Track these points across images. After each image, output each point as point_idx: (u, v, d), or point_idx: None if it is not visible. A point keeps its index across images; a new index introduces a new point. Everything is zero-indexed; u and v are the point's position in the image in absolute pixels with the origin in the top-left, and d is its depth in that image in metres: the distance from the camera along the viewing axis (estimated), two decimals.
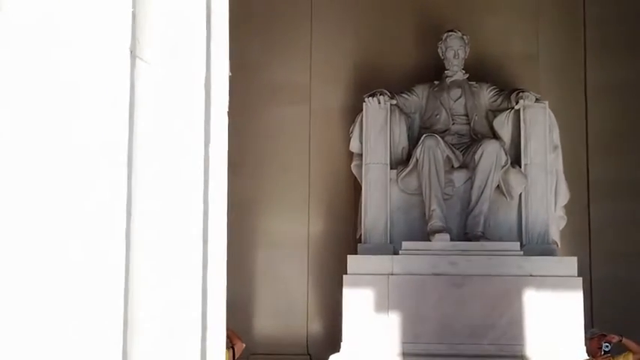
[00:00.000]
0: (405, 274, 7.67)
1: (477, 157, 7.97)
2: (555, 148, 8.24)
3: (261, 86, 8.88)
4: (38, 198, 1.68)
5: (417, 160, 8.04)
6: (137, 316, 1.78)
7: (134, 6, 1.81)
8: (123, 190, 1.76)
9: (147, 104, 1.85)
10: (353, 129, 8.43)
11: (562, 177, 8.29)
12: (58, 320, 1.65)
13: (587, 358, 6.65)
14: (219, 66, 2.15)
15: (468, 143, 8.26)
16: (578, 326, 7.44)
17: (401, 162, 8.29)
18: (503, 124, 8.35)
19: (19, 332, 1.63)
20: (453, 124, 8.43)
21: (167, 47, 1.93)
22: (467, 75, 8.59)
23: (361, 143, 8.31)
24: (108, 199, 1.74)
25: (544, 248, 7.91)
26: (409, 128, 8.50)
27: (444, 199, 8.03)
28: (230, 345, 6.58)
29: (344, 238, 8.80)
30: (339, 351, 7.63)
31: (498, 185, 8.04)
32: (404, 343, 7.55)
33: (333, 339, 8.00)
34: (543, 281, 7.55)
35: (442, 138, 8.09)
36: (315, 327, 8.95)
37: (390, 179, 8.18)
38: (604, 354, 6.14)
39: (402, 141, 8.40)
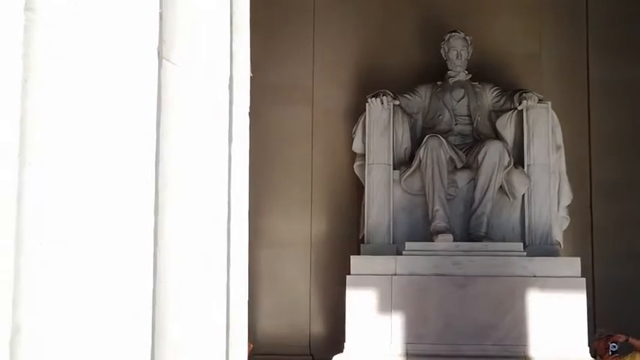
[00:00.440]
0: (408, 274, 7.67)
1: (480, 157, 7.97)
2: (558, 148, 8.25)
3: (264, 87, 8.87)
4: (66, 198, 1.67)
5: (420, 161, 8.04)
6: (164, 317, 1.78)
7: (161, 7, 1.81)
8: (150, 190, 1.76)
9: (173, 105, 1.85)
10: (356, 129, 8.43)
11: (565, 177, 8.30)
12: (88, 317, 1.65)
13: (595, 358, 6.67)
14: (241, 67, 2.15)
15: (471, 144, 8.26)
16: (581, 327, 7.44)
17: (404, 162, 8.29)
18: (506, 125, 8.35)
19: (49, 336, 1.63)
20: (456, 124, 8.43)
21: (192, 48, 1.93)
22: (470, 75, 8.59)
23: (364, 144, 8.31)
24: (136, 199, 1.74)
25: (547, 249, 7.91)
26: (412, 129, 8.50)
27: (447, 200, 8.03)
28: None
29: (346, 239, 8.80)
30: (341, 351, 7.63)
31: (501, 186, 8.04)
32: (407, 343, 7.55)
33: (335, 339, 8.00)
34: (546, 282, 7.55)
35: (445, 138, 8.09)
36: (318, 327, 8.95)
37: (393, 180, 8.18)
38: (611, 354, 6.15)
39: (404, 141, 8.40)
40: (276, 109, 9.01)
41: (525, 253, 7.71)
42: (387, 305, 7.60)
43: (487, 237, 7.93)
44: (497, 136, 8.31)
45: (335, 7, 9.31)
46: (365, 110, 8.35)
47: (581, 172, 8.81)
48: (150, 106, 1.77)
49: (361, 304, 7.62)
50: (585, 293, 7.54)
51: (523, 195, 8.11)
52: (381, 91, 8.32)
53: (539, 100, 8.15)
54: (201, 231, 1.91)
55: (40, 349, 1.60)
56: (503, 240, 7.97)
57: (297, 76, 9.13)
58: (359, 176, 8.47)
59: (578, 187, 8.55)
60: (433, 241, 7.82)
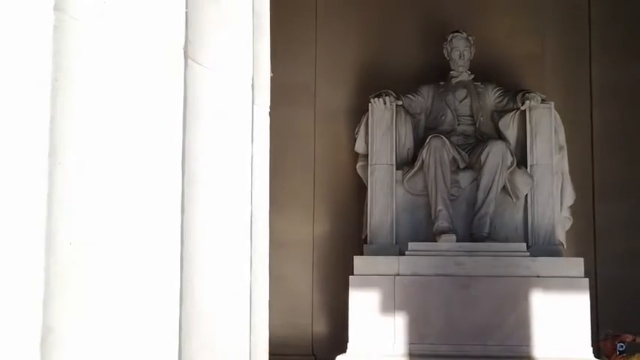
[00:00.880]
0: (412, 274, 7.67)
1: (482, 157, 7.97)
2: (561, 148, 8.25)
3: None
4: (95, 197, 1.67)
5: (422, 161, 8.04)
6: (191, 317, 1.78)
7: (187, 6, 1.80)
8: (177, 189, 1.75)
9: (199, 105, 1.85)
10: (358, 130, 8.43)
11: (568, 178, 8.30)
12: (118, 315, 1.65)
13: (601, 358, 6.67)
14: (262, 67, 2.15)
15: (474, 144, 8.26)
16: (584, 327, 7.44)
17: (406, 163, 8.29)
18: (509, 125, 8.35)
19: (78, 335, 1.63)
20: (459, 124, 8.43)
21: (216, 48, 1.93)
22: (472, 76, 8.59)
23: (367, 144, 8.31)
24: (163, 198, 1.74)
25: (550, 249, 7.91)
26: (414, 129, 8.49)
27: (450, 200, 8.03)
28: None
29: (349, 239, 8.80)
30: (344, 351, 7.63)
31: (504, 186, 8.05)
32: (410, 343, 7.55)
33: (338, 340, 8.01)
34: (550, 282, 7.55)
35: (448, 139, 8.09)
36: (320, 327, 8.95)
37: (396, 180, 8.18)
38: (619, 354, 6.16)
39: (407, 142, 8.40)
40: (278, 110, 8.94)
41: (528, 254, 7.71)
42: (390, 305, 7.61)
43: (490, 237, 7.94)
44: (500, 136, 8.31)
45: (337, 7, 9.31)
46: (367, 110, 8.35)
47: (584, 172, 8.82)
48: (177, 107, 1.77)
49: (364, 304, 7.63)
50: (588, 293, 7.54)
51: (526, 195, 8.11)
52: (384, 91, 8.32)
53: (542, 101, 8.15)
54: (225, 230, 1.91)
55: (71, 351, 1.59)
56: (506, 240, 7.97)
57: (299, 77, 9.12)
58: (361, 176, 8.47)
59: (581, 187, 8.55)
60: (436, 242, 7.82)
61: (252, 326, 1.98)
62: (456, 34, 8.55)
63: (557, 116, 8.22)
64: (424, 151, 8.02)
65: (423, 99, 8.58)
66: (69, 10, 1.62)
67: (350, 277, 7.70)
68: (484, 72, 8.66)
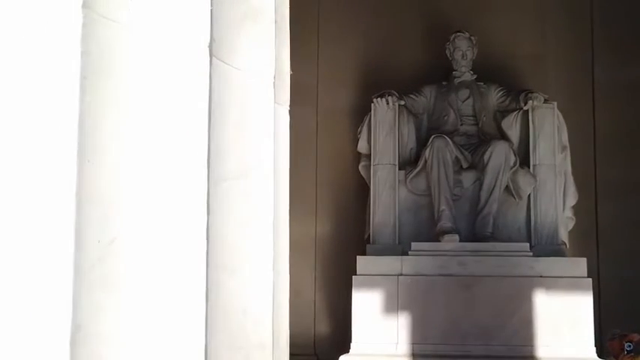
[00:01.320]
0: (415, 274, 7.67)
1: (485, 157, 7.97)
2: (564, 148, 8.25)
3: None
4: (123, 195, 1.67)
5: (425, 161, 8.04)
6: (217, 317, 1.78)
7: (212, 4, 1.80)
8: (203, 188, 1.76)
9: (223, 104, 1.85)
10: (361, 130, 8.42)
11: (570, 178, 8.31)
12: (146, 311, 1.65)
13: (610, 358, 6.67)
14: (283, 65, 2.15)
15: (477, 144, 8.26)
16: (588, 327, 7.44)
17: (409, 163, 8.29)
18: (512, 125, 8.35)
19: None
20: (462, 124, 8.43)
21: (240, 46, 1.93)
22: (475, 76, 8.59)
23: (369, 144, 8.31)
24: (189, 197, 1.74)
25: (553, 249, 7.92)
26: (417, 129, 8.49)
27: (453, 200, 8.03)
28: None
29: (351, 239, 8.78)
30: (347, 352, 7.63)
31: (507, 186, 8.05)
32: (413, 343, 7.55)
33: (340, 340, 8.00)
34: (553, 282, 7.55)
35: (451, 139, 8.09)
36: (323, 328, 8.94)
37: (399, 180, 8.18)
38: (627, 353, 6.16)
39: (410, 142, 8.40)
40: None
41: (532, 254, 7.71)
42: (393, 305, 7.60)
43: (493, 237, 7.93)
44: (503, 136, 8.31)
45: (340, 7, 9.30)
46: (370, 110, 8.34)
47: (586, 172, 8.81)
48: (202, 105, 1.77)
49: (367, 304, 7.62)
50: (592, 294, 7.55)
51: (529, 195, 8.11)
52: (387, 91, 8.32)
53: (545, 101, 8.15)
54: (249, 229, 1.91)
55: (99, 348, 1.59)
56: (509, 240, 7.96)
57: (301, 77, 9.08)
58: (364, 177, 8.46)
59: (583, 187, 8.55)
60: (439, 242, 7.81)
61: (274, 320, 1.98)
62: (458, 34, 8.55)
63: (560, 116, 8.22)
64: (427, 151, 8.02)
65: (425, 99, 8.58)
66: (97, 8, 1.62)
67: (353, 277, 7.70)
68: (487, 72, 8.65)
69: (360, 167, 8.51)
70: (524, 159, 8.17)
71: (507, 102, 8.43)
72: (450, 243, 7.75)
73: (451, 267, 7.67)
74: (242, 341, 1.87)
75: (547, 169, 8.10)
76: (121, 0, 1.68)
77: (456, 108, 8.46)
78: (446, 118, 8.46)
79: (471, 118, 8.46)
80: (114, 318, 1.61)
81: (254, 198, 1.93)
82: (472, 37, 8.56)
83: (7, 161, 1.56)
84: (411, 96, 8.50)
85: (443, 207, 7.93)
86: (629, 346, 6.20)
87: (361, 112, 8.61)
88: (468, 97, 8.50)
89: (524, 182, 8.08)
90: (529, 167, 8.12)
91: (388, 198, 8.14)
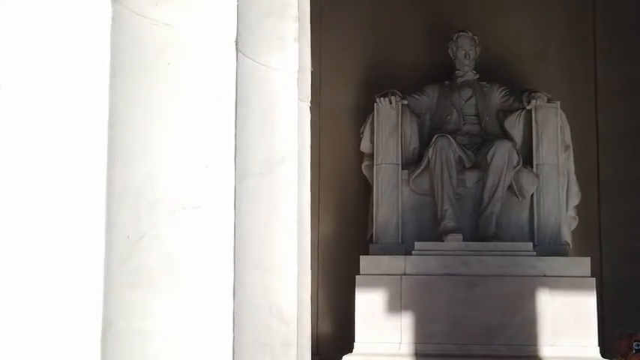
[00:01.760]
0: (418, 274, 7.66)
1: (488, 157, 7.97)
2: (567, 148, 8.25)
3: None
4: (150, 192, 1.66)
5: (428, 161, 8.04)
6: (243, 315, 1.77)
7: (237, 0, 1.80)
8: (230, 185, 1.75)
9: (249, 99, 1.84)
10: (364, 129, 8.41)
11: (573, 177, 8.30)
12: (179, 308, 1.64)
13: (618, 358, 6.66)
14: (304, 62, 2.14)
15: (479, 143, 8.26)
16: (591, 326, 7.44)
17: (412, 162, 8.28)
18: (515, 125, 8.35)
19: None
20: (464, 124, 8.42)
21: (264, 42, 1.92)
22: (477, 75, 8.58)
23: (372, 144, 8.30)
24: (216, 194, 1.73)
25: (556, 248, 7.91)
26: (420, 129, 8.48)
27: (456, 200, 8.03)
28: None
29: (353, 239, 8.77)
30: (350, 352, 7.62)
31: (510, 185, 8.04)
32: (416, 343, 7.53)
33: (343, 340, 7.99)
34: (556, 282, 7.55)
35: (453, 138, 8.08)
36: (325, 327, 8.92)
37: (402, 180, 8.17)
38: (635, 352, 6.16)
39: (413, 141, 8.39)
40: None
41: (535, 253, 7.70)
42: (396, 305, 7.60)
43: (496, 236, 7.93)
44: (506, 135, 8.30)
45: (342, 7, 9.29)
46: (373, 110, 8.33)
47: (589, 171, 8.81)
48: (229, 101, 1.76)
49: (370, 304, 7.61)
50: (595, 293, 7.55)
51: (532, 195, 8.10)
52: (389, 90, 8.31)
53: (548, 100, 8.14)
54: (275, 226, 1.91)
55: (129, 344, 1.59)
56: (512, 240, 7.95)
57: None
58: (367, 176, 8.45)
59: (586, 186, 8.55)
60: (442, 241, 7.81)
61: (298, 316, 1.98)
62: (461, 33, 8.54)
63: (563, 116, 8.21)
64: (430, 151, 8.01)
65: (428, 99, 8.57)
66: (127, 3, 1.61)
67: (356, 276, 7.69)
68: (489, 71, 8.64)
69: (362, 167, 8.50)
70: (527, 158, 8.16)
71: (510, 101, 8.42)
72: (453, 242, 7.75)
73: (454, 266, 7.66)
74: (268, 338, 1.86)
75: (550, 169, 8.09)
76: None
77: (459, 107, 8.45)
78: (449, 117, 8.45)
79: (474, 117, 8.45)
80: (144, 314, 1.60)
81: (279, 194, 1.92)
82: (475, 37, 8.55)
83: (41, 159, 1.55)
84: (414, 95, 8.49)
85: (446, 206, 7.93)
86: (638, 345, 6.21)
87: (364, 112, 8.60)
88: (471, 97, 8.49)
89: (527, 182, 8.07)
90: (532, 167, 8.11)
91: (391, 197, 8.13)
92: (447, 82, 8.62)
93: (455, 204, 7.98)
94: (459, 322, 7.51)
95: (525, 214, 8.16)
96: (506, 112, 8.45)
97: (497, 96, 8.50)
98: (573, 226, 8.36)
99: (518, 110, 8.33)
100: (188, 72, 1.72)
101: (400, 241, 8.04)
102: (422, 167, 8.09)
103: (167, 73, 1.69)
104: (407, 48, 9.18)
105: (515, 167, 8.01)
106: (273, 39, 1.94)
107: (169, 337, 1.64)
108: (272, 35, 1.94)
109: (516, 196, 8.10)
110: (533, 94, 8.14)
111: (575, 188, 8.28)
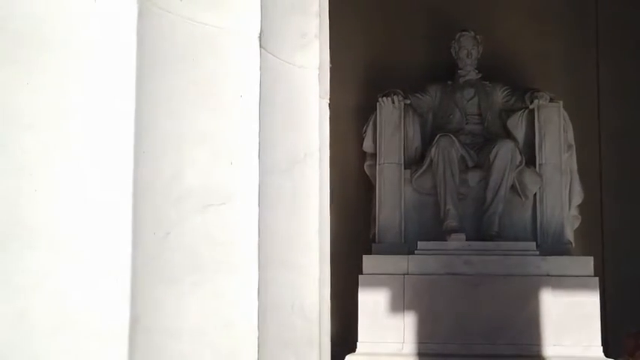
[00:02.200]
0: (421, 274, 7.66)
1: (491, 156, 7.96)
2: (569, 147, 8.25)
3: None
4: (177, 186, 1.65)
5: (431, 160, 8.03)
6: (267, 313, 1.77)
7: None
8: (254, 182, 1.74)
9: (271, 96, 1.83)
10: (366, 129, 8.40)
11: (576, 177, 8.30)
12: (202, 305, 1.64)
13: (625, 357, 6.66)
14: (324, 59, 2.14)
15: (482, 143, 8.25)
16: (595, 326, 7.44)
17: (415, 162, 8.28)
18: (517, 124, 8.35)
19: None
20: (467, 123, 8.42)
21: (287, 39, 1.91)
22: (480, 75, 8.58)
23: (374, 143, 8.29)
24: (241, 191, 1.73)
25: (559, 248, 7.91)
26: (423, 128, 8.48)
27: (459, 199, 8.02)
28: None
29: (356, 239, 8.75)
30: (353, 351, 7.62)
31: (513, 185, 8.04)
32: (419, 342, 7.53)
33: (345, 339, 7.96)
34: (560, 281, 7.54)
35: (456, 138, 8.08)
36: None
37: (404, 179, 8.16)
38: None
39: (415, 141, 8.39)
40: None
41: (538, 253, 7.70)
42: (399, 305, 7.59)
43: (499, 236, 7.92)
44: (509, 135, 8.30)
45: (344, 6, 9.26)
46: (375, 110, 8.33)
47: (592, 170, 8.81)
48: (253, 99, 1.76)
49: (373, 303, 7.61)
50: (598, 292, 7.54)
51: (535, 194, 8.10)
52: (392, 90, 8.31)
53: (551, 100, 8.15)
54: (297, 226, 1.90)
55: (157, 338, 1.58)
56: (515, 239, 7.95)
57: None
58: (369, 176, 8.44)
59: (589, 186, 8.55)
60: (445, 240, 7.80)
61: (320, 314, 1.98)
62: (463, 32, 8.54)
63: (566, 115, 8.21)
64: (433, 150, 8.01)
65: (430, 98, 8.57)
66: None
67: (359, 276, 7.68)
68: (492, 71, 8.64)
69: (365, 166, 8.49)
70: (529, 158, 8.16)
71: (513, 101, 8.42)
72: (456, 242, 7.74)
73: (457, 266, 7.65)
74: (291, 336, 1.85)
75: (553, 168, 8.09)
76: None
77: (462, 107, 8.45)
78: (451, 117, 8.44)
79: (477, 117, 8.44)
80: (171, 309, 1.60)
81: (301, 191, 1.91)
82: (477, 36, 8.55)
83: (69, 156, 1.54)
84: (417, 95, 8.49)
85: (449, 206, 7.92)
86: None
87: (366, 112, 8.59)
88: (474, 96, 8.49)
89: (530, 181, 8.07)
90: (535, 166, 8.11)
91: (394, 197, 8.13)
92: (449, 82, 8.61)
93: (457, 203, 7.97)
94: (462, 322, 7.50)
95: (528, 213, 8.16)
96: (509, 111, 8.45)
97: (499, 95, 8.50)
98: (576, 226, 8.36)
99: (520, 110, 8.33)
100: (213, 68, 1.72)
101: (403, 240, 8.04)
102: (424, 167, 8.08)
103: (192, 69, 1.69)
104: (409, 47, 9.17)
105: (517, 167, 8.00)
106: (295, 35, 1.93)
107: (194, 333, 1.64)
108: (295, 32, 1.94)
109: (519, 195, 8.09)
110: (535, 93, 8.15)
111: (577, 187, 8.28)
